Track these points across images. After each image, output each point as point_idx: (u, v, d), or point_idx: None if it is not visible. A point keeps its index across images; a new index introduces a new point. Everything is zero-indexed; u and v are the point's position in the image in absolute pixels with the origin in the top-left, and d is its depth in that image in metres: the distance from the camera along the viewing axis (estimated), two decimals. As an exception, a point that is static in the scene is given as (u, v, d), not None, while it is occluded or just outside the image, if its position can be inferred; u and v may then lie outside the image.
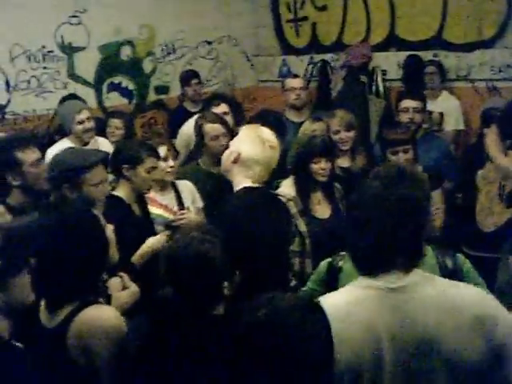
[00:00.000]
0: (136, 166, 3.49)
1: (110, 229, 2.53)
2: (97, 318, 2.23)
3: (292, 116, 5.62)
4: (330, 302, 1.90)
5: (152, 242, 3.41)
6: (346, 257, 2.90)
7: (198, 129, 4.32)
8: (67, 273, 2.22)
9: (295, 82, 5.80)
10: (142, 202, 3.66)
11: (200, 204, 4.08)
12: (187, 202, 3.99)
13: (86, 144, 4.74)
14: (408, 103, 4.76)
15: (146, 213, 3.70)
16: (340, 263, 2.67)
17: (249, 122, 4.71)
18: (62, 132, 5.00)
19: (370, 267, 1.91)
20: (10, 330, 2.12)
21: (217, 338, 2.05)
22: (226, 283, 2.25)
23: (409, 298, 1.84)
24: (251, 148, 2.95)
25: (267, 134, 3.03)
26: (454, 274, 2.37)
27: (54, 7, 6.16)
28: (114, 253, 2.56)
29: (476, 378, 1.80)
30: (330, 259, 2.71)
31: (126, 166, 3.50)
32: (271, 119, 4.50)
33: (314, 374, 1.61)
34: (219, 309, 2.24)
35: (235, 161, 2.95)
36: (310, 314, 1.65)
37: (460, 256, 2.60)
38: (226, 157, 3.02)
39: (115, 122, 5.42)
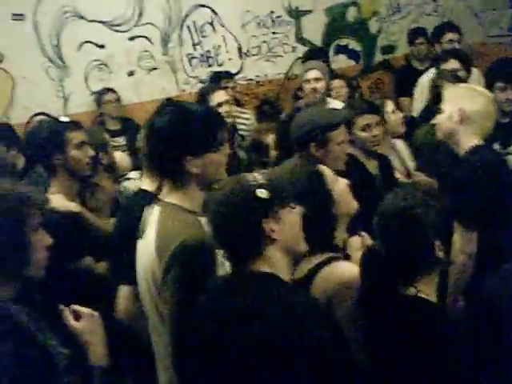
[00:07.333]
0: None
1: (342, 183, 2.44)
2: (341, 273, 2.19)
3: None
4: None
5: None
6: None
7: (434, 89, 4.18)
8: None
9: None
10: None
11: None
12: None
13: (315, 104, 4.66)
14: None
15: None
16: None
17: (489, 71, 4.42)
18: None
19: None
20: None
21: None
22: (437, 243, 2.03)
23: None
24: (474, 102, 2.88)
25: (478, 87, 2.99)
26: None
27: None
28: (349, 208, 2.45)
29: None
30: None
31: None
32: None
33: None
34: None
35: (461, 120, 2.88)
36: None
37: None
38: (446, 119, 2.95)
39: (339, 82, 5.42)
